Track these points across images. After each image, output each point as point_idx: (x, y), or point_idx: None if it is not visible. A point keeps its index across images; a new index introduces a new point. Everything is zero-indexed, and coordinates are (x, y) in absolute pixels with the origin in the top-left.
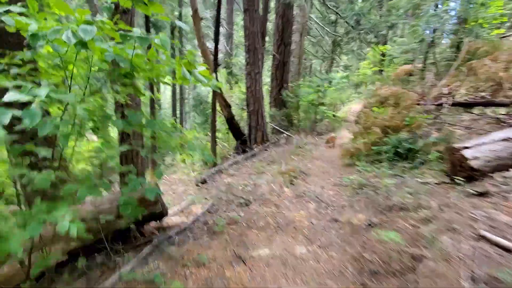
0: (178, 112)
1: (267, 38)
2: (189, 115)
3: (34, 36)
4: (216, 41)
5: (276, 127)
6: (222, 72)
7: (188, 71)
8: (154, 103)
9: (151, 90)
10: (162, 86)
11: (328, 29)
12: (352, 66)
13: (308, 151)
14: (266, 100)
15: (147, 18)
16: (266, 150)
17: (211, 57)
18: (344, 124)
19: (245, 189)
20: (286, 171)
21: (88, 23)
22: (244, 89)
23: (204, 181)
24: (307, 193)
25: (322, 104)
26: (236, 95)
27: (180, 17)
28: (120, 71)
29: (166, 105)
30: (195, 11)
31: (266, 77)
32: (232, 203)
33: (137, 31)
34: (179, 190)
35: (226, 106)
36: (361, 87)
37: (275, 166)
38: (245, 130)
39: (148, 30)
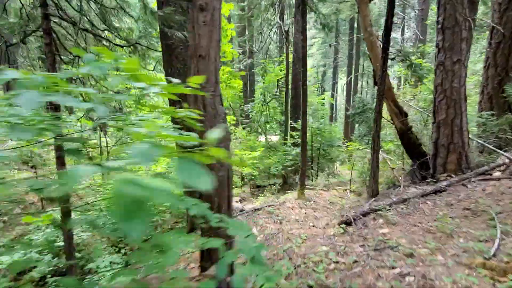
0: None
1: (480, 7)
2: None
3: None
4: (388, 27)
5: (488, 145)
6: (398, 68)
7: None
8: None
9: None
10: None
11: None
12: None
13: None
14: (473, 101)
15: None
16: (464, 185)
17: (379, 49)
18: None
19: (403, 270)
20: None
21: None
22: (431, 87)
23: (349, 222)
24: None
25: None
26: (418, 98)
27: None
28: None
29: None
30: None
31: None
32: None
33: None
34: (319, 225)
35: (400, 114)
36: None
37: (481, 229)
38: (429, 149)
39: None
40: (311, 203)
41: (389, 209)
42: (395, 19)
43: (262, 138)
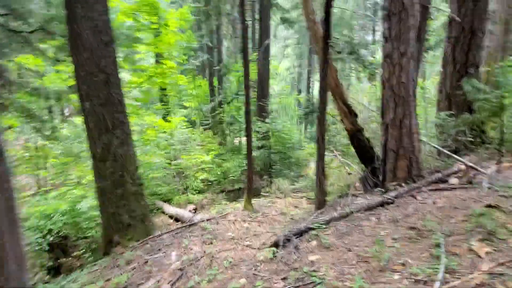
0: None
1: None
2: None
3: None
4: (327, 11)
5: (443, 149)
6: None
7: None
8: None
9: None
10: None
11: None
12: None
13: None
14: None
15: None
16: (413, 196)
17: (318, 28)
18: None
19: None
20: None
21: None
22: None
23: (277, 245)
24: None
25: None
26: (370, 97)
27: None
28: None
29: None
30: None
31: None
32: None
33: None
34: (255, 245)
35: (350, 113)
36: None
37: (422, 261)
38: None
39: None
40: (258, 215)
41: (326, 228)
42: (366, 21)
43: (236, 141)
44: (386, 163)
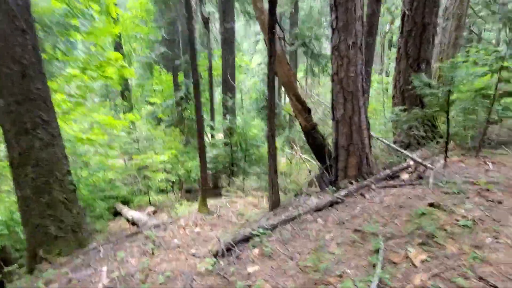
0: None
1: None
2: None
3: None
4: None
5: (394, 145)
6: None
7: None
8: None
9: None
10: None
11: None
12: None
13: (475, 210)
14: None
15: None
16: (362, 195)
17: (266, 17)
18: None
19: None
20: None
21: None
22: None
23: (218, 254)
24: None
25: (509, 94)
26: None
27: None
28: None
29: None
30: None
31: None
32: None
33: None
34: (201, 253)
35: (304, 110)
36: None
37: (360, 270)
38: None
39: None
40: (213, 217)
41: (271, 233)
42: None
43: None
44: (338, 161)
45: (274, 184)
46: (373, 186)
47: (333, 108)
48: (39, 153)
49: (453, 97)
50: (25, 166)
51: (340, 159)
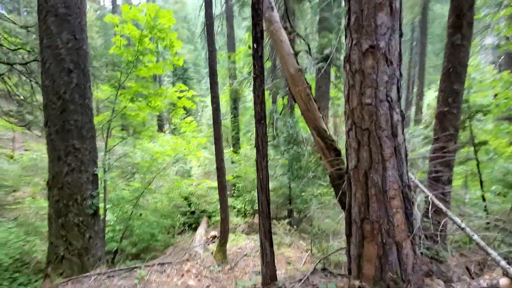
0: None
1: None
2: None
3: None
4: None
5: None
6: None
7: None
8: None
9: None
10: None
11: None
12: None
13: None
14: None
15: None
16: None
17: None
18: None
19: None
20: None
21: None
22: None
23: None
24: None
25: None
26: None
27: None
28: None
29: None
30: None
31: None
32: None
33: None
34: None
35: (327, 149)
36: None
37: None
38: None
39: None
40: (222, 269)
41: None
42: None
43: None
44: (350, 243)
45: (266, 253)
46: None
47: (346, 155)
48: (66, 177)
49: None
50: (53, 188)
51: (353, 241)
